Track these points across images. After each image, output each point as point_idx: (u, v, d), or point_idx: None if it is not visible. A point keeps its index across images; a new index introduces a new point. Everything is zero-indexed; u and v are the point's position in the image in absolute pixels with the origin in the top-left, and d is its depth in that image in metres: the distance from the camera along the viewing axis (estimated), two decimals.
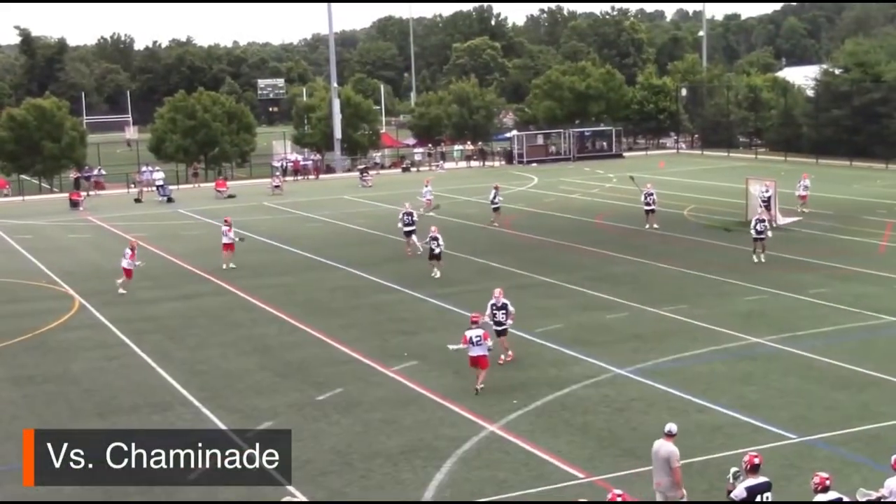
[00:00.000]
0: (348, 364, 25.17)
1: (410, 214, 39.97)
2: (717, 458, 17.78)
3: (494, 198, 46.75)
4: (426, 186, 52.49)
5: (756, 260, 35.68)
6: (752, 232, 36.31)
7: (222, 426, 20.79)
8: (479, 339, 22.10)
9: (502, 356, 24.25)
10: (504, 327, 24.38)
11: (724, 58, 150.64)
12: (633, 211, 50.08)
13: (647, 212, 44.06)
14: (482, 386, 22.20)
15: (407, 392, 22.76)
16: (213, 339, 28.30)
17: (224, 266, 38.44)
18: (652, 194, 44.30)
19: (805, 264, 35.66)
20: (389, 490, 17.27)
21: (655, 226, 43.50)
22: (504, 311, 24.29)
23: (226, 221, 39.69)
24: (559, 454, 18.58)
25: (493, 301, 24.39)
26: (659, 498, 15.39)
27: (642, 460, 18.14)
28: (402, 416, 21.05)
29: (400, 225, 40.00)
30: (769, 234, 36.33)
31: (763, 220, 36.38)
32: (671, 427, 15.69)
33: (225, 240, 38.72)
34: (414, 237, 39.44)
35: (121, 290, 34.56)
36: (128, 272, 35.10)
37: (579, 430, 19.89)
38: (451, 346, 23.01)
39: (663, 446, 15.51)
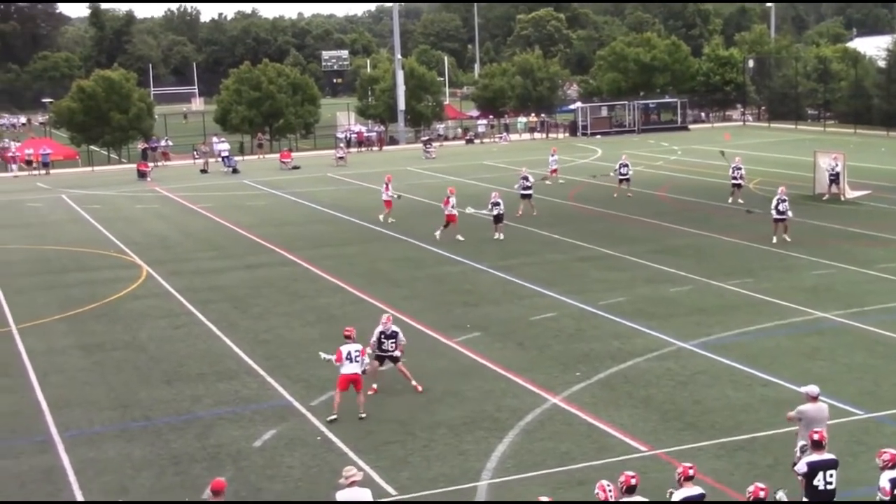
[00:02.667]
0: (411, 334, 25.13)
1: (527, 178, 42.04)
2: (782, 433, 17.59)
3: (621, 169, 46.49)
4: (553, 156, 52.83)
5: (775, 241, 34.18)
6: (773, 212, 34.50)
7: (287, 395, 21.00)
8: (357, 353, 19.29)
9: (414, 382, 20.99)
10: (391, 354, 20.79)
11: (792, 28, 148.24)
12: (697, 183, 49.68)
13: (734, 186, 43.26)
14: (364, 415, 19.41)
15: (469, 363, 22.81)
16: (277, 308, 28.55)
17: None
18: (740, 169, 43.43)
19: (874, 238, 35.11)
20: (451, 460, 17.35)
21: (740, 201, 42.57)
22: (393, 341, 20.75)
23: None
24: (622, 427, 18.54)
25: (380, 328, 20.81)
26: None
27: (705, 434, 18.07)
28: (465, 388, 21.10)
29: (517, 187, 42.14)
30: (790, 213, 34.54)
31: (785, 200, 34.37)
32: (818, 389, 15.50)
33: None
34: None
35: (390, 220, 41.25)
36: (387, 203, 41.22)
37: (642, 403, 19.82)
38: (322, 355, 20.08)
39: (823, 408, 15.37)
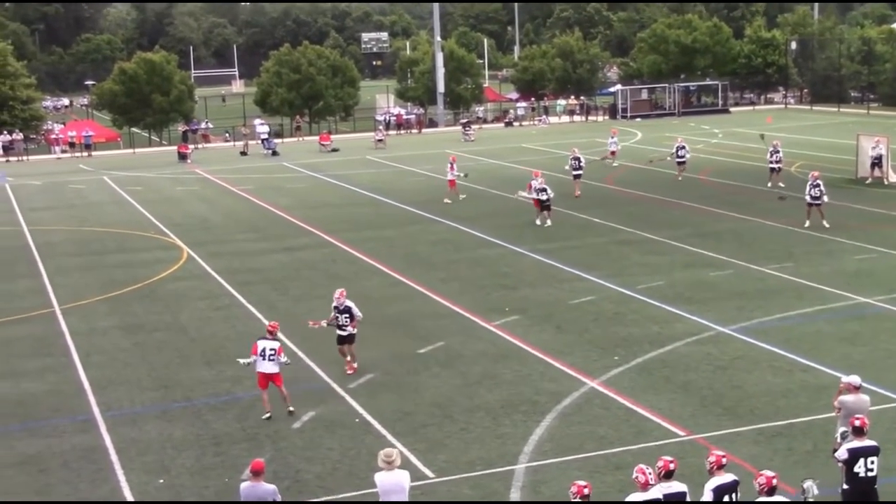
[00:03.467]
0: (449, 317, 25.31)
1: (578, 159, 42.40)
2: (822, 418, 17.49)
3: (678, 152, 46.04)
4: (612, 137, 52.88)
5: (807, 224, 33.76)
6: (807, 197, 34.00)
7: (325, 377, 21.11)
8: (273, 353, 18.68)
9: (349, 365, 21.30)
10: (348, 333, 21.04)
11: (836, 9, 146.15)
12: (738, 167, 49.32)
13: (772, 170, 42.72)
14: (292, 408, 19.01)
15: (507, 346, 22.82)
16: (316, 290, 28.65)
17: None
18: (778, 152, 42.85)
19: None
20: (489, 443, 17.38)
21: (781, 184, 41.98)
22: (348, 315, 20.93)
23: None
24: (660, 411, 18.49)
25: (334, 303, 21.17)
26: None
27: (744, 419, 17.99)
28: (503, 371, 21.12)
29: (567, 168, 42.57)
30: (826, 199, 33.84)
31: (818, 185, 33.73)
32: (859, 379, 15.19)
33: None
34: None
35: (446, 200, 41.59)
36: (451, 183, 41.78)
37: (681, 388, 19.75)
38: (240, 360, 19.50)
39: (864, 399, 15.00)
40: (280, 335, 20.17)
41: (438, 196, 43.90)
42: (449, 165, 42.72)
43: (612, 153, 52.03)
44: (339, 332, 21.09)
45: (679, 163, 45.90)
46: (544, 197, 36.10)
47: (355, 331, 21.13)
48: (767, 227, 34.73)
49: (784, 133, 59.48)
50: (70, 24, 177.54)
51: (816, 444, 16.71)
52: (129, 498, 15.98)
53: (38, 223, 41.57)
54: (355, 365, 21.31)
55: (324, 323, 21.30)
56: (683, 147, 46.23)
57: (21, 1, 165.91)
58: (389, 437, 17.77)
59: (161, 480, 16.49)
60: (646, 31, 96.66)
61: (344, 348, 21.26)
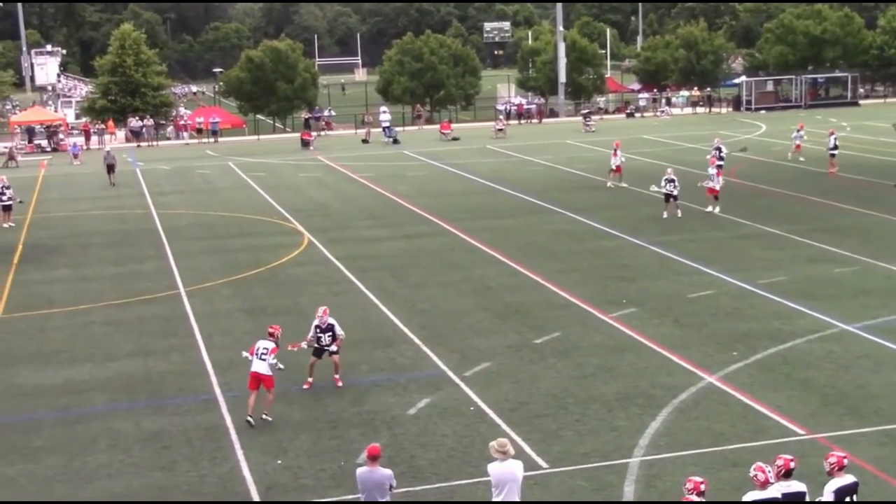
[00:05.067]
0: (567, 308, 25.23)
1: (720, 149, 42.62)
2: None
3: (833, 141, 45.09)
4: (798, 131, 51.43)
5: None
6: None
7: (441, 365, 21.26)
8: (265, 352, 18.19)
9: (337, 376, 20.15)
10: (328, 349, 19.89)
11: None
12: (866, 161, 48.03)
13: None
14: (269, 417, 18.36)
15: (624, 339, 22.66)
16: (434, 278, 28.86)
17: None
18: None
19: None
20: (604, 435, 17.30)
21: None
22: (330, 334, 19.84)
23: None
24: (779, 409, 18.15)
25: (316, 322, 19.93)
26: None
27: (868, 420, 17.55)
28: (619, 363, 20.99)
29: (709, 157, 41.80)
30: None
31: None
32: None
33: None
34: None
35: (609, 184, 42.70)
36: (618, 169, 42.53)
37: (801, 386, 19.35)
38: (245, 353, 18.81)
39: None
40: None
41: (558, 185, 43.83)
42: (613, 151, 43.19)
43: (798, 147, 50.33)
44: (318, 346, 19.93)
45: (831, 156, 44.76)
46: (669, 188, 35.50)
47: (337, 348, 20.00)
48: (895, 224, 33.79)
49: None
50: (200, 13, 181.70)
51: None
52: (248, 476, 16.34)
53: (166, 206, 42.71)
54: (338, 378, 20.17)
55: (304, 344, 19.97)
56: (833, 141, 45.05)
57: (149, 0, 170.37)
58: (504, 426, 17.81)
59: (279, 461, 16.82)
60: (773, 22, 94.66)
61: (316, 362, 19.98)
